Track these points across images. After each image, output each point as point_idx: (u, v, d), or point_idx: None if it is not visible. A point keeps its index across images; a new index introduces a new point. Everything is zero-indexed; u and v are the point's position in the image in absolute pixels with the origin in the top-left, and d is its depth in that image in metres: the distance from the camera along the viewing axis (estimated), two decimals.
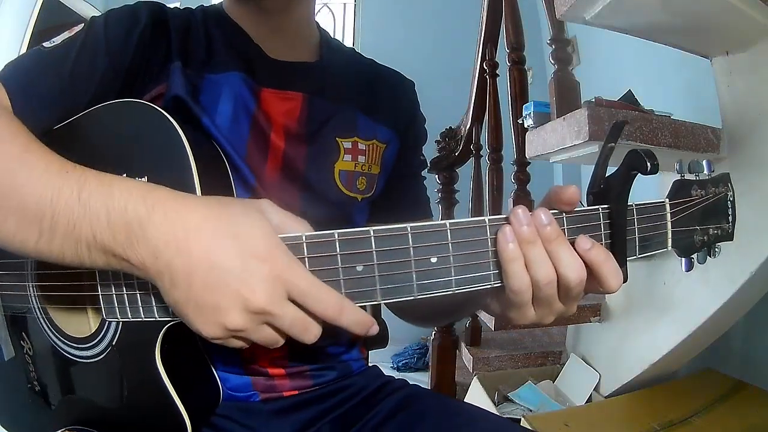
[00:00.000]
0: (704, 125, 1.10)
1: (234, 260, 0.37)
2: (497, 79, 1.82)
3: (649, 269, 1.31)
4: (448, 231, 0.40)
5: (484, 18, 1.85)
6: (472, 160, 2.01)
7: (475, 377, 1.55)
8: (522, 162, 1.53)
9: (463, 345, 1.73)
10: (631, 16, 1.00)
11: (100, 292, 0.47)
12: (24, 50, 2.72)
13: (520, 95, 1.57)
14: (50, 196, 0.39)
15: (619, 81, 1.70)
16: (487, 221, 0.40)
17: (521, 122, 1.41)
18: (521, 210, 0.40)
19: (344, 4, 3.50)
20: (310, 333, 0.39)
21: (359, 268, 0.39)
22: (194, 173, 0.45)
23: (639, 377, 1.31)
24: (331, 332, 0.40)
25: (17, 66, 0.54)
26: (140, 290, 0.44)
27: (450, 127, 2.12)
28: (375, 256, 0.39)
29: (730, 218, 0.50)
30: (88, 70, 0.54)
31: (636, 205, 0.44)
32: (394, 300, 0.40)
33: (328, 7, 3.46)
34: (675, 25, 1.02)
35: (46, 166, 0.40)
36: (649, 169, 0.41)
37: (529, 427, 1.11)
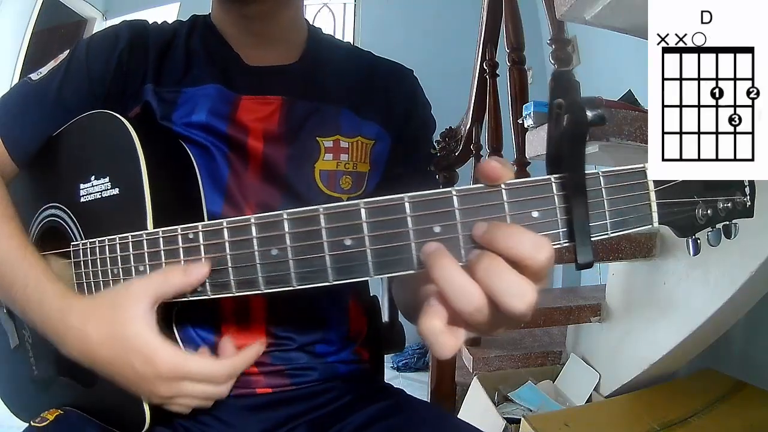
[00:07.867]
0: None
1: (128, 371, 0.45)
2: (497, 79, 1.82)
3: (649, 269, 1.31)
4: (407, 204, 0.36)
5: (484, 18, 1.85)
6: (472, 160, 2.01)
7: (475, 377, 1.55)
8: (522, 162, 1.53)
9: (463, 345, 1.72)
10: (631, 16, 1.00)
11: (84, 281, 0.53)
12: (24, 49, 2.73)
13: (520, 95, 1.57)
14: (9, 282, 0.49)
15: (619, 81, 1.70)
16: (453, 191, 0.36)
17: (521, 122, 1.40)
18: None
19: (344, 4, 3.50)
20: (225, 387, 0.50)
21: (316, 248, 0.38)
22: (144, 174, 0.50)
23: (639, 377, 1.30)
24: (321, 326, 0.42)
25: (4, 101, 0.60)
26: (124, 276, 0.49)
27: (450, 127, 2.12)
28: (324, 234, 0.37)
29: (747, 189, 0.38)
30: (72, 97, 0.59)
31: (603, 172, 0.36)
32: (390, 274, 0.38)
33: (328, 7, 3.47)
34: None
35: (8, 248, 0.50)
36: (590, 118, 0.33)
37: (529, 428, 1.11)
